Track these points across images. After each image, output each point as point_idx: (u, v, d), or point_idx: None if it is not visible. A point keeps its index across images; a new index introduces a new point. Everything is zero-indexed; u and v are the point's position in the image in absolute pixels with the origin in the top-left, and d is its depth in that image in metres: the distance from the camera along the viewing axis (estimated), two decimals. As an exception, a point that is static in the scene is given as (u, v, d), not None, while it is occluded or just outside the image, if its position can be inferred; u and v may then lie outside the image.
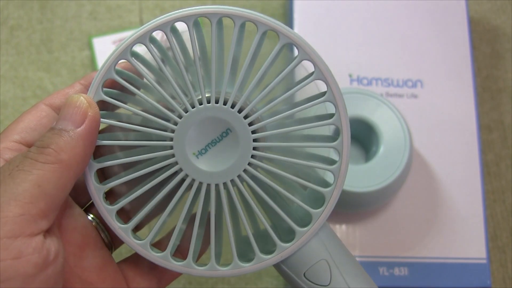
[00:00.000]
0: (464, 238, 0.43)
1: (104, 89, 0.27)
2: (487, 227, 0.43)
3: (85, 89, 0.28)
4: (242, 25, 0.27)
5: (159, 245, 0.30)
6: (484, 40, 0.51)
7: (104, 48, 0.49)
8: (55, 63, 0.49)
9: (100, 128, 0.27)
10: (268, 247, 0.28)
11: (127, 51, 0.26)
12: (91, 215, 0.30)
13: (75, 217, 0.28)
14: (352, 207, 0.42)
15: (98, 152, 0.29)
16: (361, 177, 0.40)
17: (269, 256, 0.28)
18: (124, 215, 0.29)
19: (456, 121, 0.45)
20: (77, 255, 0.28)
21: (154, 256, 0.28)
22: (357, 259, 0.42)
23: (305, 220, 0.28)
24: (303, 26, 0.46)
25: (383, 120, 0.41)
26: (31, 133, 0.27)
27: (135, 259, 0.31)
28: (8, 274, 0.22)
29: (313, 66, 0.27)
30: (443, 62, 0.46)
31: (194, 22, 0.26)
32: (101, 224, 0.30)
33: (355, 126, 0.42)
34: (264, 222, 0.27)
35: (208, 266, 0.28)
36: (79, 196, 0.30)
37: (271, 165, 0.27)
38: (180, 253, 0.29)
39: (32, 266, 0.23)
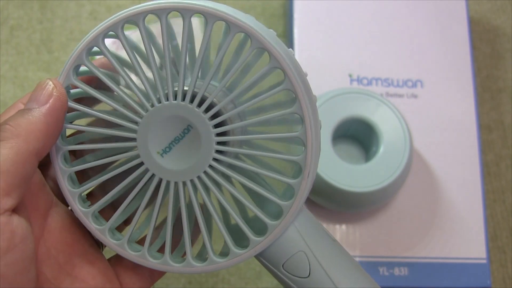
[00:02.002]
0: (464, 238, 0.43)
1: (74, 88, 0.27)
2: (487, 227, 0.43)
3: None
4: (190, 20, 0.26)
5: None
6: (484, 40, 0.51)
7: (104, 48, 0.49)
8: (55, 63, 0.49)
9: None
10: (245, 242, 0.28)
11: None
12: None
13: (61, 216, 0.28)
14: (352, 207, 0.42)
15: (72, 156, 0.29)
16: (361, 177, 0.40)
17: (243, 251, 0.27)
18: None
19: (456, 121, 0.45)
20: (66, 252, 0.27)
21: (130, 254, 0.28)
22: (357, 259, 0.42)
23: (281, 212, 0.27)
24: (303, 26, 0.46)
25: (383, 120, 0.41)
26: None
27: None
28: None
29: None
30: (443, 62, 0.46)
31: (143, 21, 0.26)
32: None
33: (355, 126, 0.42)
34: (235, 217, 0.27)
35: (184, 263, 0.27)
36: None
37: (239, 160, 0.27)
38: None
39: None
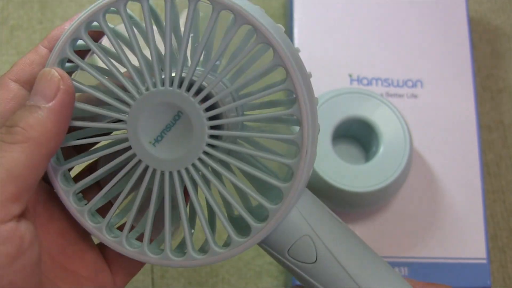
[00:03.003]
0: (464, 238, 0.43)
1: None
2: (487, 227, 0.43)
3: (49, 52, 0.27)
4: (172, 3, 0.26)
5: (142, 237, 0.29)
6: (484, 40, 0.51)
7: (104, 48, 0.49)
8: (55, 63, 0.49)
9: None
10: (245, 232, 0.27)
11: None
12: None
13: (52, 204, 0.27)
14: (352, 207, 0.42)
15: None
16: (361, 177, 0.40)
17: (245, 239, 0.26)
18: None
19: (456, 121, 0.45)
20: (58, 243, 0.27)
21: (128, 251, 0.27)
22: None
23: (277, 198, 0.26)
24: (303, 26, 0.46)
25: (383, 120, 0.41)
26: None
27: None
28: None
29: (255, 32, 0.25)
30: (443, 62, 0.46)
31: (124, 8, 0.26)
32: None
33: (355, 126, 0.42)
34: (234, 204, 0.26)
35: (185, 256, 0.26)
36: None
37: (234, 145, 0.26)
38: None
39: (4, 257, 0.22)
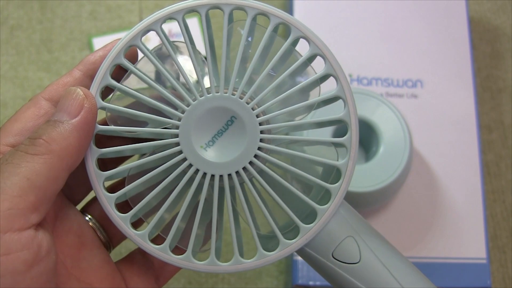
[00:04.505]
0: (464, 238, 0.43)
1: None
2: (487, 227, 0.43)
3: (84, 75, 0.28)
4: (230, 15, 0.27)
5: (158, 241, 0.29)
6: (484, 40, 0.51)
7: (104, 48, 0.49)
8: (55, 63, 0.49)
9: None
10: (271, 243, 0.27)
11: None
12: (88, 216, 0.29)
13: (70, 218, 0.27)
14: (352, 207, 0.42)
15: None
16: (361, 177, 0.40)
17: (293, 240, 0.27)
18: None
19: (456, 121, 0.45)
20: (74, 256, 0.27)
21: (175, 258, 0.27)
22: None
23: (320, 201, 0.27)
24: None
25: (383, 120, 0.41)
26: (27, 135, 0.26)
27: (132, 258, 0.30)
28: None
29: (308, 46, 0.27)
30: (443, 62, 0.46)
31: (182, 18, 0.26)
32: (98, 223, 0.29)
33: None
34: (285, 207, 0.26)
35: (233, 260, 0.27)
36: (75, 194, 0.29)
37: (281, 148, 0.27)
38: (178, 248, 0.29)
39: (22, 263, 0.23)
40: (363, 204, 0.41)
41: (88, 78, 0.28)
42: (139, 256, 0.30)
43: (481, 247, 0.42)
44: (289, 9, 0.48)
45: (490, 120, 0.48)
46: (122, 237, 0.30)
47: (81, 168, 0.26)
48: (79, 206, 0.30)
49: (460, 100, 0.45)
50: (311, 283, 0.40)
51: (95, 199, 0.30)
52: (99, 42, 0.49)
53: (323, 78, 0.27)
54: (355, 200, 0.40)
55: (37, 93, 0.47)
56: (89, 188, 0.28)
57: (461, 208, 0.43)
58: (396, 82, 0.46)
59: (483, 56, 0.50)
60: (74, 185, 0.28)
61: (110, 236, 0.30)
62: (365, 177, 0.40)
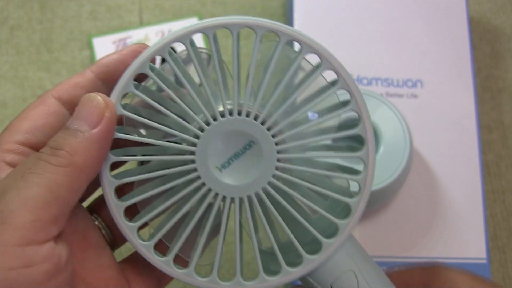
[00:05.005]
0: (464, 238, 0.43)
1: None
2: (487, 227, 0.43)
3: (96, 77, 0.27)
4: (261, 37, 0.27)
5: (159, 246, 0.29)
6: (484, 40, 0.51)
7: (104, 48, 0.49)
8: (55, 63, 0.49)
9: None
10: (274, 267, 0.28)
11: (146, 65, 0.26)
12: (94, 215, 0.29)
13: (77, 217, 0.27)
14: (352, 207, 0.42)
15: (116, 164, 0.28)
16: (361, 177, 0.40)
17: (295, 269, 0.27)
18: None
19: (456, 121, 0.45)
20: (79, 257, 0.27)
21: (178, 272, 0.27)
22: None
23: (327, 232, 0.27)
24: (303, 26, 0.46)
25: (383, 120, 0.41)
26: (36, 133, 0.26)
27: (135, 259, 0.30)
28: (19, 283, 0.22)
29: (334, 74, 0.27)
30: (443, 62, 0.46)
31: (213, 35, 0.26)
32: (103, 223, 0.29)
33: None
34: (290, 234, 0.27)
35: (234, 281, 0.27)
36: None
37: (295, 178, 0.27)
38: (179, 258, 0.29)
39: (43, 274, 0.23)
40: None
41: (100, 80, 0.27)
42: (140, 256, 0.30)
43: (481, 247, 0.42)
44: (289, 9, 0.48)
45: (490, 120, 0.48)
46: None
47: None
48: (85, 203, 0.30)
49: (460, 100, 0.45)
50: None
51: (101, 198, 0.30)
52: (99, 42, 0.49)
53: (343, 105, 0.27)
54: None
55: (37, 93, 0.48)
56: (96, 185, 0.28)
57: (461, 208, 0.43)
58: (396, 82, 0.46)
59: (483, 56, 0.50)
60: None
61: (115, 236, 0.30)
62: (365, 177, 0.40)
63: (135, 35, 0.49)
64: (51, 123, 0.26)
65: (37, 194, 0.23)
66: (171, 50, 0.26)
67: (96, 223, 0.29)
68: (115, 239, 0.30)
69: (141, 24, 0.50)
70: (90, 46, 0.49)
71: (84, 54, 0.49)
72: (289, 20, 0.47)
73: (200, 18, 0.49)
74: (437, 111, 0.45)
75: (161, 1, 0.51)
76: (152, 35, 0.49)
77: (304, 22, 0.46)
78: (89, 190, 0.29)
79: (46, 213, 0.23)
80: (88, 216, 0.28)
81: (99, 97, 0.25)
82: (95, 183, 0.27)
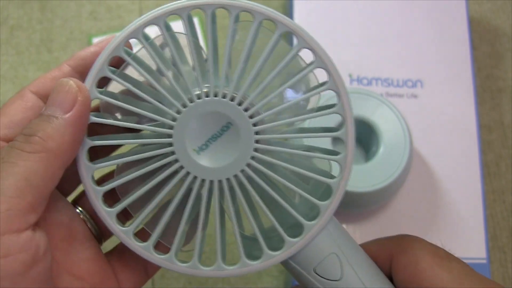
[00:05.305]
0: (464, 238, 0.43)
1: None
2: (487, 227, 0.43)
3: (73, 71, 0.27)
4: (236, 17, 0.26)
5: (141, 234, 0.29)
6: (484, 40, 0.51)
7: (104, 48, 0.49)
8: (55, 63, 0.49)
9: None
10: (256, 253, 0.27)
11: (120, 49, 0.26)
12: (79, 208, 0.29)
13: (61, 210, 0.27)
14: (352, 207, 0.42)
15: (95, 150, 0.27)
16: (361, 177, 0.40)
17: (277, 253, 0.27)
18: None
19: (456, 121, 0.45)
20: (64, 249, 0.27)
21: (158, 258, 0.27)
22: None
23: (309, 216, 0.27)
24: (303, 26, 0.46)
25: (383, 120, 0.41)
26: (15, 128, 0.26)
27: (121, 250, 0.30)
28: None
29: (312, 56, 0.26)
30: (443, 62, 0.46)
31: (187, 16, 0.26)
32: (88, 216, 0.29)
33: (355, 126, 0.42)
34: (271, 217, 0.26)
35: (215, 266, 0.27)
36: (65, 185, 0.29)
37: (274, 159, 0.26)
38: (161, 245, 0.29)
39: (21, 264, 0.22)
40: (363, 204, 0.41)
41: (78, 74, 0.27)
42: (126, 247, 0.30)
43: (481, 247, 0.42)
44: (289, 9, 0.48)
45: (490, 120, 0.48)
46: None
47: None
48: (70, 198, 0.30)
49: (460, 100, 0.45)
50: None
51: (85, 192, 0.30)
52: (99, 42, 0.49)
53: (325, 90, 0.27)
54: (355, 200, 0.40)
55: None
56: (79, 179, 0.28)
57: (461, 208, 0.43)
58: (396, 82, 0.46)
59: (483, 56, 0.50)
60: (65, 176, 0.28)
61: (101, 229, 0.30)
62: (365, 177, 0.40)
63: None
64: (29, 118, 0.26)
65: (10, 183, 0.22)
66: (147, 35, 0.26)
67: (81, 216, 0.29)
68: (102, 232, 0.30)
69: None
70: (90, 46, 0.49)
71: (84, 54, 0.49)
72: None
73: (200, 18, 0.49)
74: (437, 111, 0.45)
75: (161, 1, 0.51)
76: (152, 35, 0.49)
77: (304, 22, 0.46)
78: (73, 183, 0.29)
79: (21, 201, 0.22)
80: (73, 209, 0.28)
81: (71, 82, 0.25)
82: (78, 176, 0.27)
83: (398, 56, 0.46)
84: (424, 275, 0.26)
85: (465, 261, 0.42)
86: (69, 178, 0.28)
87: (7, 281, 0.22)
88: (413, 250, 0.27)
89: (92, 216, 0.29)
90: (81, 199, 0.30)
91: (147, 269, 0.30)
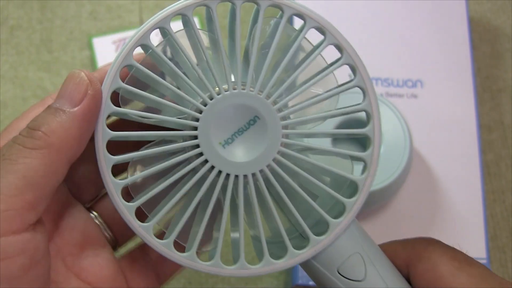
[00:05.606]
0: (464, 238, 0.43)
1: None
2: (487, 227, 0.43)
3: (98, 82, 0.26)
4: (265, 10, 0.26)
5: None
6: (484, 40, 0.51)
7: (104, 48, 0.49)
8: (55, 63, 0.49)
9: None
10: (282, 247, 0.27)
11: (147, 38, 0.25)
12: (94, 212, 0.29)
13: (74, 216, 0.27)
14: (352, 207, 0.42)
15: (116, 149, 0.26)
16: (361, 177, 0.40)
17: (302, 251, 0.26)
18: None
19: (456, 121, 0.45)
20: (75, 254, 0.26)
21: (179, 256, 0.25)
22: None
23: (332, 213, 0.26)
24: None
25: (383, 120, 0.41)
26: None
27: (133, 256, 0.29)
28: None
29: (338, 52, 0.26)
30: (443, 62, 0.46)
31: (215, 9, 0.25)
32: (104, 222, 0.28)
33: (355, 126, 0.42)
34: (296, 214, 0.26)
35: (238, 264, 0.26)
36: (83, 194, 0.28)
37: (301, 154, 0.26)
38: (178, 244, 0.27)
39: (19, 267, 0.22)
40: (363, 204, 0.41)
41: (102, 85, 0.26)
42: (139, 253, 0.30)
43: (481, 247, 0.42)
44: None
45: (490, 120, 0.48)
46: (129, 236, 0.30)
47: (90, 167, 0.25)
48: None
49: (460, 100, 0.45)
50: (311, 283, 0.40)
51: (103, 197, 0.29)
52: (99, 42, 0.49)
53: (353, 87, 0.27)
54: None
55: (37, 93, 0.48)
56: (98, 188, 0.28)
57: (461, 208, 0.43)
58: (396, 82, 0.46)
59: (483, 56, 0.50)
60: (83, 184, 0.27)
61: (116, 235, 0.29)
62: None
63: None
64: None
65: (9, 181, 0.21)
66: (169, 28, 0.25)
67: (96, 222, 0.28)
68: (116, 238, 0.29)
69: (141, 24, 0.50)
70: (90, 46, 0.49)
71: (84, 54, 0.49)
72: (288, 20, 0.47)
73: (200, 18, 0.49)
74: (437, 111, 0.45)
75: (161, 1, 0.51)
76: (152, 35, 0.49)
77: (304, 22, 0.46)
78: (91, 192, 0.29)
79: (20, 201, 0.22)
80: (87, 214, 0.28)
81: (82, 74, 0.24)
82: (96, 185, 0.26)
83: (398, 56, 0.46)
84: (444, 280, 0.26)
85: (465, 261, 0.43)
86: (87, 187, 0.27)
87: (4, 284, 0.21)
88: (430, 254, 0.27)
89: (107, 222, 0.28)
90: (98, 205, 0.29)
91: (159, 276, 0.29)
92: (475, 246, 0.42)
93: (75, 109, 0.23)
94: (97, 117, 0.24)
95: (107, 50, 0.49)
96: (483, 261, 0.42)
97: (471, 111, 0.45)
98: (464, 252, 0.27)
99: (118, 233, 0.29)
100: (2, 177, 0.22)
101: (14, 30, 0.49)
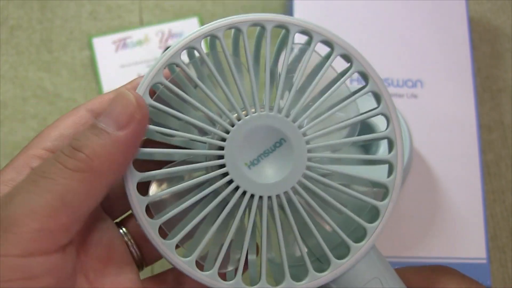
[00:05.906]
0: (464, 238, 0.43)
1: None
2: (487, 227, 0.43)
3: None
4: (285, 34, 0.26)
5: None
6: (484, 40, 0.51)
7: (104, 48, 0.49)
8: (55, 63, 0.49)
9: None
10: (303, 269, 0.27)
11: (177, 57, 0.25)
12: (123, 229, 0.28)
13: (102, 230, 0.26)
14: (352, 207, 0.42)
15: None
16: (361, 177, 0.40)
17: (323, 274, 0.26)
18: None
19: (456, 121, 0.45)
20: (98, 270, 0.25)
21: (201, 275, 0.25)
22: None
23: (352, 236, 0.27)
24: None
25: (383, 120, 0.41)
26: (65, 141, 0.25)
27: (164, 279, 0.29)
28: None
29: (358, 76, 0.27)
30: (443, 62, 0.46)
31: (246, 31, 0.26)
32: (132, 239, 0.28)
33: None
34: (318, 236, 0.26)
35: (259, 285, 0.26)
36: (113, 207, 0.27)
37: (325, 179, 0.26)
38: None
39: (44, 287, 0.21)
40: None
41: None
42: (171, 277, 0.29)
43: (481, 247, 0.42)
44: (289, 9, 0.48)
45: (490, 120, 0.48)
46: (156, 256, 0.29)
47: (122, 181, 0.24)
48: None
49: (460, 100, 0.45)
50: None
51: (131, 214, 0.28)
52: (99, 42, 0.49)
53: (377, 115, 0.28)
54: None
55: (37, 93, 0.48)
56: (129, 204, 0.27)
57: (461, 208, 0.43)
58: (396, 82, 0.46)
59: (483, 56, 0.50)
60: (114, 199, 0.27)
61: (143, 254, 0.28)
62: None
63: (135, 35, 0.49)
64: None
65: (46, 201, 0.21)
66: (193, 51, 0.26)
67: (125, 239, 0.27)
68: (144, 256, 0.28)
69: (141, 24, 0.50)
70: (90, 46, 0.49)
71: (84, 54, 0.49)
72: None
73: (200, 18, 0.49)
74: (437, 111, 0.45)
75: (161, 1, 0.51)
76: (152, 35, 0.49)
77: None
78: (122, 208, 0.28)
79: (54, 222, 0.21)
80: (115, 230, 0.27)
81: (131, 96, 0.23)
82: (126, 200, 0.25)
83: (398, 56, 0.46)
84: None
85: (465, 261, 0.43)
86: (118, 201, 0.26)
87: None
88: (446, 284, 0.27)
89: (136, 240, 0.28)
90: (127, 222, 0.29)
91: None
92: (475, 246, 0.42)
93: (121, 133, 0.22)
94: (141, 140, 0.23)
95: (107, 50, 0.49)
96: (483, 261, 0.42)
97: (471, 111, 0.45)
98: (479, 283, 0.28)
99: (145, 252, 0.28)
100: (40, 196, 0.21)
101: (14, 30, 0.49)
